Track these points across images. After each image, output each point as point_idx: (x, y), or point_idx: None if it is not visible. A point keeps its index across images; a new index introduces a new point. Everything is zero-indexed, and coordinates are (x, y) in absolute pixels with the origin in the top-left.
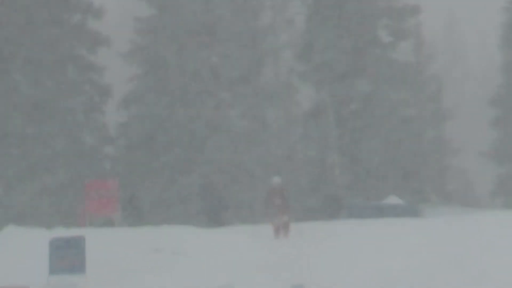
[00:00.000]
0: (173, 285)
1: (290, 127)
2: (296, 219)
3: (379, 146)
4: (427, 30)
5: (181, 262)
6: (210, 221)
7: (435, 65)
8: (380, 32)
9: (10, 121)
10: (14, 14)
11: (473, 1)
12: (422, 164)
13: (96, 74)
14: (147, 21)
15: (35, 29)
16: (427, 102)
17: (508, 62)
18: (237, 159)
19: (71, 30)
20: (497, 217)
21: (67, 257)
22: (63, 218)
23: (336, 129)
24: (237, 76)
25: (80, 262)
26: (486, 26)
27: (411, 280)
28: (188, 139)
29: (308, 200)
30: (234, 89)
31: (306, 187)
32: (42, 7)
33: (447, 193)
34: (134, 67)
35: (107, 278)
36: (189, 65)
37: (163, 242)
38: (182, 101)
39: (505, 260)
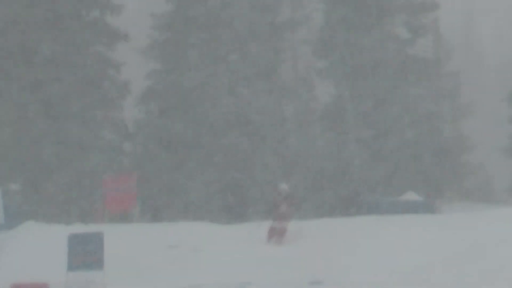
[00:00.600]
0: (190, 281)
1: (308, 123)
2: (315, 215)
3: (396, 142)
4: (445, 26)
5: (198, 258)
6: (229, 217)
7: (453, 61)
8: (399, 28)
9: (29, 116)
10: (34, 10)
11: None
12: (440, 160)
13: (114, 70)
14: (164, 16)
15: (54, 25)
16: (445, 98)
17: None
18: (255, 155)
19: (90, 26)
20: None
21: (86, 253)
22: (81, 214)
23: (354, 125)
24: (255, 72)
25: (98, 258)
26: (504, 22)
27: (428, 276)
28: (207, 135)
29: (326, 196)
30: (252, 85)
31: (325, 183)
32: (61, 3)
33: (465, 189)
34: (152, 63)
35: (125, 274)
36: (207, 61)
37: (181, 238)
38: (200, 97)
39: None
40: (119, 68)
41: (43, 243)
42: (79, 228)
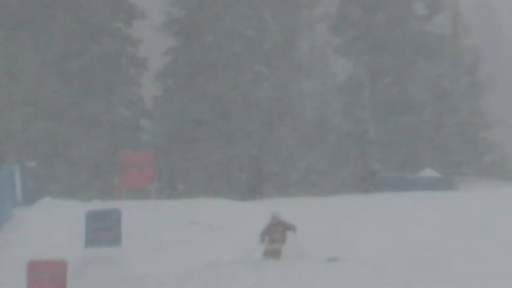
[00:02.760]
0: (208, 258)
1: (325, 100)
2: (332, 192)
3: (415, 119)
4: (463, 2)
5: (216, 235)
6: (248, 194)
7: (471, 38)
8: (416, 4)
9: (46, 93)
10: None
11: None
12: (458, 137)
13: (132, 47)
14: None
15: (72, 2)
16: (463, 75)
17: None
18: (273, 132)
19: (108, 2)
20: None
21: (103, 229)
22: (98, 191)
23: (371, 102)
24: (273, 49)
25: (116, 235)
26: None
27: (446, 252)
28: (224, 111)
29: (344, 172)
30: (270, 62)
31: (342, 160)
32: None
33: (483, 166)
34: (170, 40)
35: (142, 250)
36: (225, 38)
37: (199, 215)
38: (218, 73)
39: None
40: (137, 45)
41: (61, 220)
42: (96, 204)
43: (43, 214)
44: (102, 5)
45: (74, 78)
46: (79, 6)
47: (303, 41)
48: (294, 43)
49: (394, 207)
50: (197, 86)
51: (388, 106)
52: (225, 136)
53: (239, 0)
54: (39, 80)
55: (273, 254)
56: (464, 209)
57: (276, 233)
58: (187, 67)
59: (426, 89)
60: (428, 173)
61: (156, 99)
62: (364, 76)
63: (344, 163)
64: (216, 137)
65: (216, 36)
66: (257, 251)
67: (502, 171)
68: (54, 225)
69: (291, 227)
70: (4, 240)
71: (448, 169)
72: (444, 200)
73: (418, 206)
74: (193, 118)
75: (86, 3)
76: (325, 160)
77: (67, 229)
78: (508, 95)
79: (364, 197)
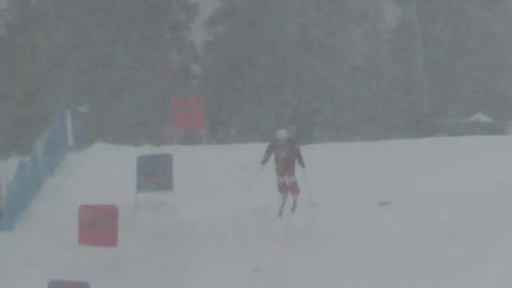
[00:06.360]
0: (258, 203)
1: (376, 45)
2: (384, 137)
3: (466, 63)
4: None
5: (266, 180)
6: (298, 139)
7: None
8: None
9: (97, 40)
10: None
11: None
12: (509, 82)
13: None
14: None
15: None
16: None
17: None
18: (323, 77)
19: None
20: None
21: (155, 174)
22: (150, 136)
23: (422, 47)
24: None
25: (168, 180)
26: None
27: (496, 195)
28: (275, 57)
29: (395, 117)
30: (321, 8)
31: (394, 105)
32: None
33: None
34: None
35: (193, 195)
36: None
37: (249, 160)
38: (269, 19)
39: None
40: None
41: (112, 165)
42: (147, 149)
43: (94, 159)
44: None
45: (125, 23)
46: None
47: None
48: None
49: (446, 152)
50: (247, 32)
51: (439, 51)
52: (276, 82)
53: None
54: (91, 26)
55: (292, 188)
56: None
57: (281, 151)
58: (237, 13)
59: (476, 34)
60: (480, 118)
61: (207, 45)
62: (415, 21)
63: (395, 109)
64: (266, 82)
65: None
66: (258, 177)
67: None
68: (105, 170)
69: (297, 152)
70: (55, 185)
71: (500, 114)
72: (496, 144)
73: (469, 151)
74: (243, 63)
75: None
76: (376, 106)
77: (119, 174)
78: None
79: (416, 142)
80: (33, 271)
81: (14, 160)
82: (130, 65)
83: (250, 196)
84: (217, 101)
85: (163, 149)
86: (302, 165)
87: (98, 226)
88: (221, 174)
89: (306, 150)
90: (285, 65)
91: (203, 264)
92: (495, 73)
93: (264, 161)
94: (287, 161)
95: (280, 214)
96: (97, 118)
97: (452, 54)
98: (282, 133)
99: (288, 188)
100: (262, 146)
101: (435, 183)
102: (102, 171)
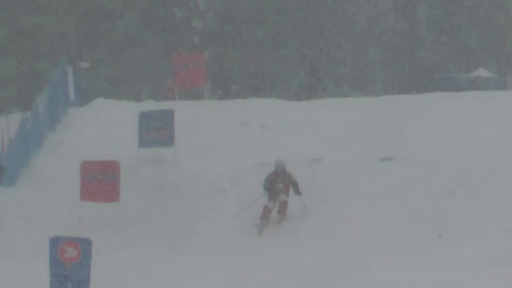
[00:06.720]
0: (260, 158)
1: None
2: (385, 92)
3: (468, 19)
4: None
5: (268, 135)
6: (301, 94)
7: None
8: None
9: None
10: None
11: None
12: (511, 37)
13: None
14: None
15: None
16: None
17: None
18: (326, 32)
19: None
20: None
21: (156, 129)
22: (151, 91)
23: (424, 2)
24: None
25: (169, 135)
26: None
27: (497, 150)
28: (278, 11)
29: (397, 73)
30: None
31: (395, 60)
32: None
33: None
34: None
35: (195, 150)
36: None
37: (251, 115)
38: None
39: None
40: None
41: (114, 120)
42: (149, 105)
43: (96, 114)
44: None
45: None
46: None
47: None
48: None
49: (447, 107)
50: None
51: (440, 5)
52: (278, 38)
53: None
54: None
55: (281, 206)
56: None
57: (279, 184)
58: None
59: None
60: (482, 73)
61: (209, 0)
62: None
63: (397, 63)
64: (268, 38)
65: None
66: (261, 198)
67: None
68: (107, 125)
69: (294, 184)
70: (57, 141)
71: (501, 69)
72: (497, 99)
73: (470, 106)
74: (246, 18)
75: None
76: (378, 60)
77: (120, 130)
78: None
79: (417, 97)
80: (35, 227)
81: (16, 115)
82: (132, 19)
83: (251, 151)
84: (219, 56)
85: (165, 105)
86: (299, 193)
87: (100, 181)
88: (222, 130)
89: (307, 106)
90: (287, 20)
91: (204, 218)
92: (498, 28)
93: (265, 188)
94: (282, 190)
95: (260, 232)
96: (99, 73)
97: (454, 9)
98: (279, 163)
99: (269, 215)
100: (264, 102)
101: (436, 139)
102: (104, 126)
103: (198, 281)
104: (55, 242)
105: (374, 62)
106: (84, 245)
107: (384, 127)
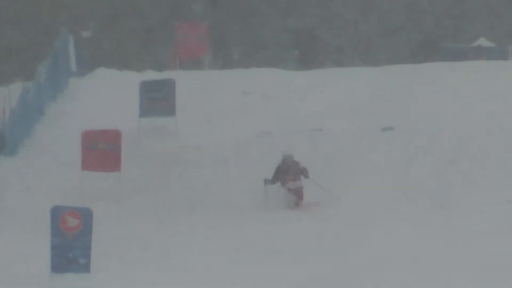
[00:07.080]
0: (261, 128)
1: None
2: (387, 62)
3: None
4: None
5: (270, 105)
6: (302, 63)
7: None
8: None
9: None
10: None
11: None
12: None
13: None
14: None
15: None
16: None
17: None
18: (327, 3)
19: None
20: None
21: (158, 99)
22: (153, 61)
23: None
24: None
25: (170, 105)
26: None
27: (500, 120)
28: None
29: (399, 42)
30: None
31: (398, 30)
32: None
33: None
34: None
35: (196, 120)
36: None
37: (253, 85)
38: None
39: None
40: None
41: (115, 90)
42: (150, 75)
43: (97, 84)
44: None
45: None
46: None
47: None
48: None
49: (448, 76)
50: None
51: None
52: (279, 8)
53: None
54: None
55: (297, 193)
56: None
57: (288, 176)
58: None
59: None
60: (483, 42)
61: None
62: None
63: (398, 33)
64: (270, 8)
65: None
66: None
67: None
68: (108, 95)
69: (303, 172)
70: (58, 111)
71: (503, 39)
72: (498, 69)
73: (472, 75)
74: None
75: None
76: (379, 29)
77: (122, 100)
78: None
79: (418, 67)
80: (36, 197)
81: (17, 85)
82: None
83: (253, 121)
84: (221, 26)
85: (166, 74)
86: (306, 176)
87: (101, 150)
88: (224, 100)
89: (308, 75)
90: None
91: (206, 189)
92: None
93: (265, 184)
94: (293, 179)
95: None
96: (100, 43)
97: None
98: (288, 154)
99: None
100: (265, 71)
101: (437, 109)
102: (105, 96)
103: (198, 253)
104: (56, 212)
105: (375, 31)
106: (85, 215)
107: (386, 97)
